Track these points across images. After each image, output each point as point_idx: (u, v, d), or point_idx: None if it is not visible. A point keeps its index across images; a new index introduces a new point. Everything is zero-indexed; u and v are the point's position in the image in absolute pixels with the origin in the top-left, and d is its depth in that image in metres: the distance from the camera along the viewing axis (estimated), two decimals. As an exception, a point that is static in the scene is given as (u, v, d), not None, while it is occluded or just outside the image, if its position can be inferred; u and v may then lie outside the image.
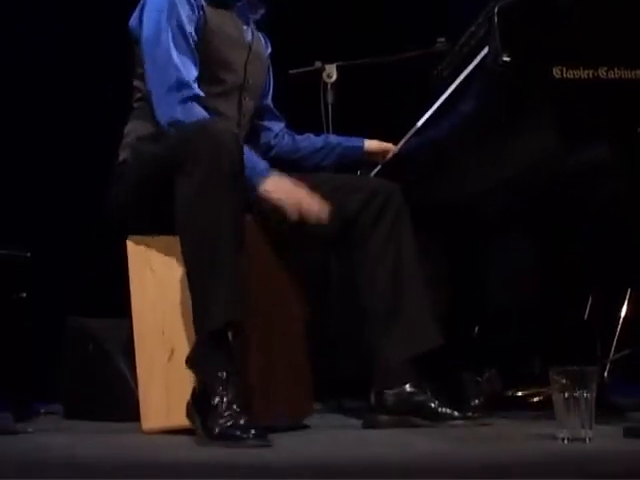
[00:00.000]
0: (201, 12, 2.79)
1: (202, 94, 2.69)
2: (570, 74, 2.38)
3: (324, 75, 3.37)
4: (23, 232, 3.77)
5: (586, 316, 3.04)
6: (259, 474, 1.96)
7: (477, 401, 2.93)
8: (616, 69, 2.40)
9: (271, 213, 2.67)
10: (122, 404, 2.94)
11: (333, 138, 3.15)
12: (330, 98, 3.35)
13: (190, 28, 2.74)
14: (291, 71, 3.36)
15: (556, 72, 2.37)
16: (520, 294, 3.30)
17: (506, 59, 2.34)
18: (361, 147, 3.13)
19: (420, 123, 2.83)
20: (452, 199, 3.06)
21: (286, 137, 3.14)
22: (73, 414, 3.19)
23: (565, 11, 2.42)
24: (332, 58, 3.41)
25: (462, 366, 3.06)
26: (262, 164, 2.68)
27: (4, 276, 3.35)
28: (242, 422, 2.32)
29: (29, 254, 3.40)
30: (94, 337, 3.19)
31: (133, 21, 2.83)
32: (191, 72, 2.70)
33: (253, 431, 2.28)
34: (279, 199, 2.63)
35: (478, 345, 3.28)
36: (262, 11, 3.00)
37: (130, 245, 2.69)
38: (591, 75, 2.39)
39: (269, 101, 3.13)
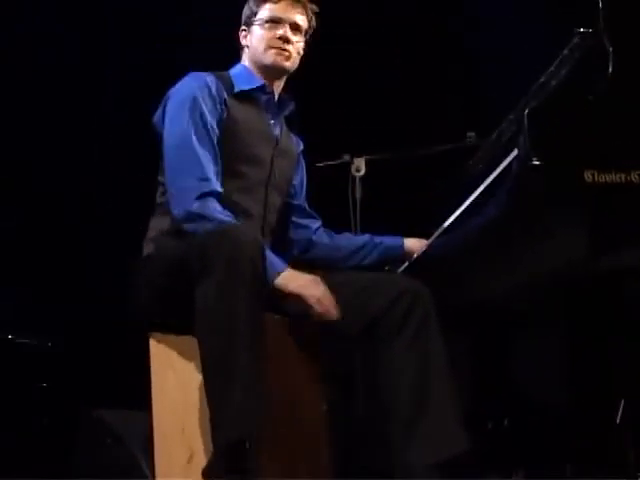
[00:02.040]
0: (224, 106, 2.78)
1: (221, 190, 2.67)
2: (602, 178, 2.34)
3: (352, 169, 3.34)
4: (45, 322, 3.75)
5: (618, 420, 2.95)
6: None
7: (505, 505, 2.85)
8: (650, 173, 2.36)
9: (287, 305, 2.63)
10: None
11: (373, 238, 3.10)
12: (358, 192, 3.32)
13: (212, 122, 2.73)
14: (318, 164, 3.33)
15: (587, 176, 2.34)
16: (549, 394, 3.23)
17: (536, 163, 2.30)
18: (401, 246, 3.08)
19: (448, 222, 2.79)
20: (480, 298, 3.00)
21: (324, 235, 3.11)
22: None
23: (595, 114, 2.39)
24: (361, 152, 3.37)
25: (490, 468, 2.98)
26: (279, 261, 2.63)
27: (24, 365, 3.32)
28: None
29: (50, 344, 3.37)
30: (112, 430, 3.14)
31: (156, 117, 2.83)
32: (210, 168, 2.68)
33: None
34: (295, 289, 2.59)
35: (505, 445, 3.20)
36: (291, 107, 2.99)
37: (153, 343, 2.66)
38: (623, 179, 2.35)
39: (302, 200, 3.12)
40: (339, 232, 3.13)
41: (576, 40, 2.50)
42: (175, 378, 2.62)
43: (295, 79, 2.97)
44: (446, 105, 4.19)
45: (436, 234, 2.92)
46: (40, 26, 4.11)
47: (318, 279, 2.64)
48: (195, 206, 2.61)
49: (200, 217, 2.59)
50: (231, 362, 2.35)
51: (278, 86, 2.94)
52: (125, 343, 2.99)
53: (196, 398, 2.56)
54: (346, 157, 3.36)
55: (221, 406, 2.36)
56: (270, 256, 2.60)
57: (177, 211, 2.65)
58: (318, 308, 2.60)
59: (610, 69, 2.39)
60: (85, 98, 4.08)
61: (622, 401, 2.95)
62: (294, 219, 3.08)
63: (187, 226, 2.62)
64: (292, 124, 3.04)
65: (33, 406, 3.35)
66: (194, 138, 2.68)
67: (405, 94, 4.21)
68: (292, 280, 2.60)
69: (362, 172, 3.34)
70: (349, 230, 3.29)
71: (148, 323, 2.67)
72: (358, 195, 3.32)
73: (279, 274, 2.59)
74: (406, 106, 4.17)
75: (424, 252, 2.97)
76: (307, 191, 3.11)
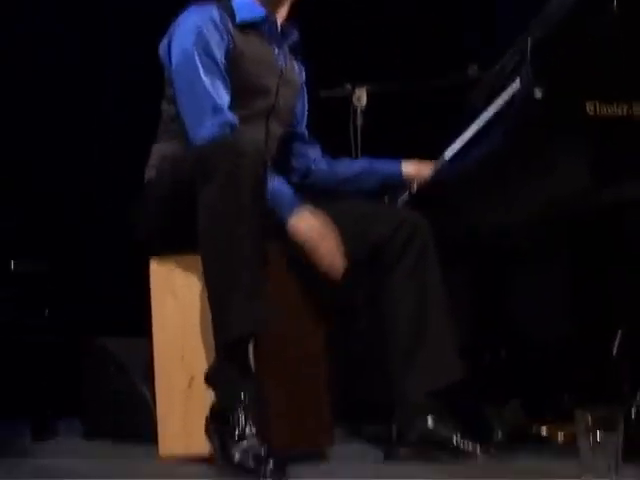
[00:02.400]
0: (229, 37, 2.77)
1: (236, 121, 2.66)
2: (604, 110, 2.34)
3: (354, 99, 3.33)
4: (46, 247, 3.77)
5: (614, 351, 2.98)
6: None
7: (500, 434, 2.89)
8: (653, 105, 2.35)
9: (295, 247, 2.62)
10: (142, 425, 2.91)
11: (371, 163, 3.11)
12: (359, 123, 3.31)
13: (219, 54, 2.72)
14: (322, 93, 3.32)
15: (589, 108, 2.33)
16: (547, 325, 3.25)
17: (538, 95, 2.29)
18: (400, 173, 3.09)
19: (448, 153, 2.79)
20: (480, 230, 3.02)
21: (323, 162, 3.12)
22: (92, 433, 3.17)
23: (599, 45, 2.38)
24: (363, 81, 3.35)
25: (486, 398, 3.02)
26: (290, 194, 2.63)
27: (25, 291, 3.34)
28: (261, 451, 2.29)
29: (51, 269, 3.38)
30: (115, 358, 3.17)
31: (162, 49, 2.82)
32: (224, 97, 2.68)
33: (272, 463, 2.26)
34: (308, 238, 2.57)
35: (502, 376, 3.24)
36: (295, 37, 2.98)
37: (153, 267, 2.67)
38: (625, 111, 2.35)
39: (304, 129, 3.12)
40: (337, 158, 3.15)
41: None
42: (175, 303, 2.64)
43: (299, 6, 2.94)
44: (449, 36, 4.16)
45: (437, 164, 2.92)
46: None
47: (332, 227, 2.61)
48: (216, 133, 2.59)
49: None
50: (234, 266, 2.37)
51: (281, 15, 2.92)
52: (127, 269, 3.00)
53: (196, 322, 2.59)
54: (348, 86, 3.34)
55: (223, 309, 2.38)
56: (282, 187, 2.61)
57: (200, 140, 2.62)
58: (326, 265, 2.59)
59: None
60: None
61: (619, 333, 2.98)
62: (294, 147, 3.09)
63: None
64: (296, 53, 3.03)
65: (34, 333, 3.37)
66: (202, 70, 2.67)
67: (409, 24, 4.18)
68: (306, 225, 2.57)
69: (364, 102, 3.32)
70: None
71: (149, 247, 2.69)
72: (359, 125, 3.31)
73: (293, 210, 2.58)
74: (409, 36, 4.14)
75: (425, 183, 2.98)
76: (308, 119, 3.11)
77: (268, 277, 2.44)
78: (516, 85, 2.40)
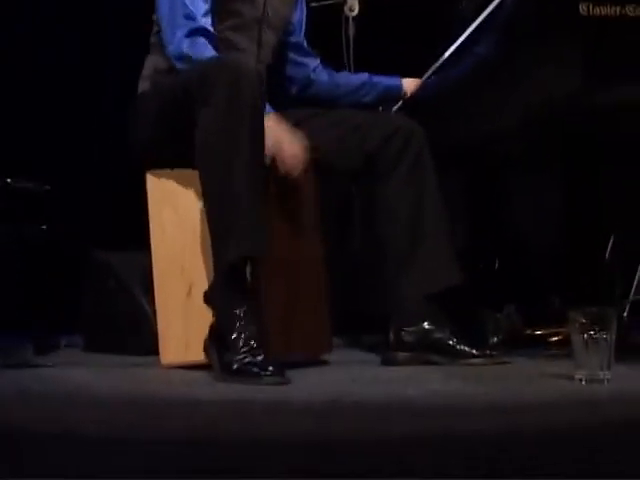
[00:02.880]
0: None
1: (209, 27, 2.65)
2: (597, 11, 2.33)
3: (345, 9, 3.29)
4: (42, 165, 3.77)
5: (607, 255, 3.01)
6: (276, 411, 1.97)
7: (496, 338, 2.94)
8: (643, 6, 2.35)
9: None
10: (142, 338, 2.95)
11: (372, 77, 3.09)
12: (351, 32, 3.29)
13: None
14: (313, 4, 3.29)
15: (582, 8, 2.33)
16: (541, 232, 3.28)
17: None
18: (400, 86, 3.07)
19: (441, 60, 2.78)
20: (473, 136, 3.01)
21: (323, 73, 3.10)
22: (93, 347, 3.21)
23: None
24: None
25: (482, 303, 3.06)
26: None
27: (24, 208, 3.35)
28: (260, 359, 2.32)
29: (48, 187, 3.39)
30: (115, 271, 3.19)
31: None
32: (199, 5, 2.66)
33: (271, 368, 2.29)
34: (272, 137, 2.53)
35: (497, 282, 3.27)
36: None
37: (150, 179, 2.68)
38: (618, 12, 2.34)
39: (301, 38, 3.09)
40: (338, 71, 3.13)
41: None
42: (173, 215, 2.65)
43: None
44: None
45: (429, 71, 2.92)
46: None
47: (298, 135, 2.61)
48: (185, 46, 2.60)
49: (189, 59, 2.59)
50: (234, 190, 2.38)
51: None
52: (124, 183, 3.01)
53: (195, 233, 2.60)
54: (339, -5, 3.31)
55: (222, 230, 2.40)
56: None
57: (170, 52, 2.65)
58: (284, 165, 2.58)
59: None
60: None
61: (612, 237, 3.01)
62: (292, 57, 3.06)
63: (178, 65, 2.63)
64: None
65: (34, 249, 3.38)
66: None
67: None
68: (273, 126, 2.55)
69: (355, 11, 3.29)
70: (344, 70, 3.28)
71: (146, 160, 2.69)
72: (351, 35, 3.29)
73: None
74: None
75: (418, 90, 2.98)
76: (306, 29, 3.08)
77: (267, 201, 2.46)
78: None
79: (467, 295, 2.90)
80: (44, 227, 3.36)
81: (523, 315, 3.03)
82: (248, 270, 2.43)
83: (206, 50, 2.60)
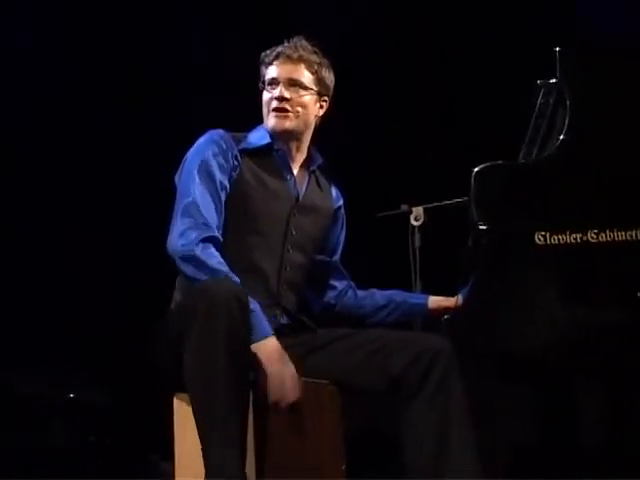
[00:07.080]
0: (236, 162, 2.83)
1: (221, 239, 2.71)
2: (554, 240, 2.26)
3: (411, 218, 3.33)
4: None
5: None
6: None
7: None
8: (608, 231, 2.25)
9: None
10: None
11: (397, 295, 3.09)
12: (417, 241, 3.31)
13: (221, 176, 2.78)
14: (379, 214, 3.36)
15: (538, 238, 2.27)
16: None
17: (482, 227, 2.26)
18: (425, 305, 3.07)
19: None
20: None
21: (349, 294, 3.11)
22: None
23: (544, 176, 2.31)
24: (418, 202, 3.36)
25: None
26: (264, 327, 2.65)
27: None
28: None
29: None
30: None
31: (176, 175, 2.88)
32: (213, 217, 2.73)
33: None
34: (266, 367, 2.60)
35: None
36: (320, 162, 3.00)
37: (177, 403, 2.74)
38: (579, 239, 2.26)
39: (337, 258, 3.11)
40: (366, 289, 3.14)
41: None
42: (196, 438, 2.74)
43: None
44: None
45: (467, 288, 2.92)
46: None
47: (293, 374, 2.63)
48: (198, 249, 2.65)
49: (199, 263, 2.64)
50: (211, 411, 2.46)
51: (296, 145, 2.95)
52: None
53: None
54: (404, 207, 3.35)
55: (204, 449, 2.49)
56: (258, 317, 2.64)
57: (177, 249, 2.68)
58: (273, 397, 2.61)
59: (566, 125, 2.31)
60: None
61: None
62: (322, 278, 3.07)
63: (183, 267, 2.67)
64: (327, 178, 3.05)
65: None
66: (200, 188, 2.74)
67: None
68: (267, 356, 2.61)
69: (421, 220, 3.32)
70: (409, 279, 3.31)
71: (170, 384, 2.74)
72: (417, 244, 3.31)
73: (260, 340, 2.62)
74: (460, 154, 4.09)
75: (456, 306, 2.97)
76: (344, 247, 3.11)
77: (246, 423, 2.51)
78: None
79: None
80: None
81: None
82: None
83: (214, 258, 2.65)
